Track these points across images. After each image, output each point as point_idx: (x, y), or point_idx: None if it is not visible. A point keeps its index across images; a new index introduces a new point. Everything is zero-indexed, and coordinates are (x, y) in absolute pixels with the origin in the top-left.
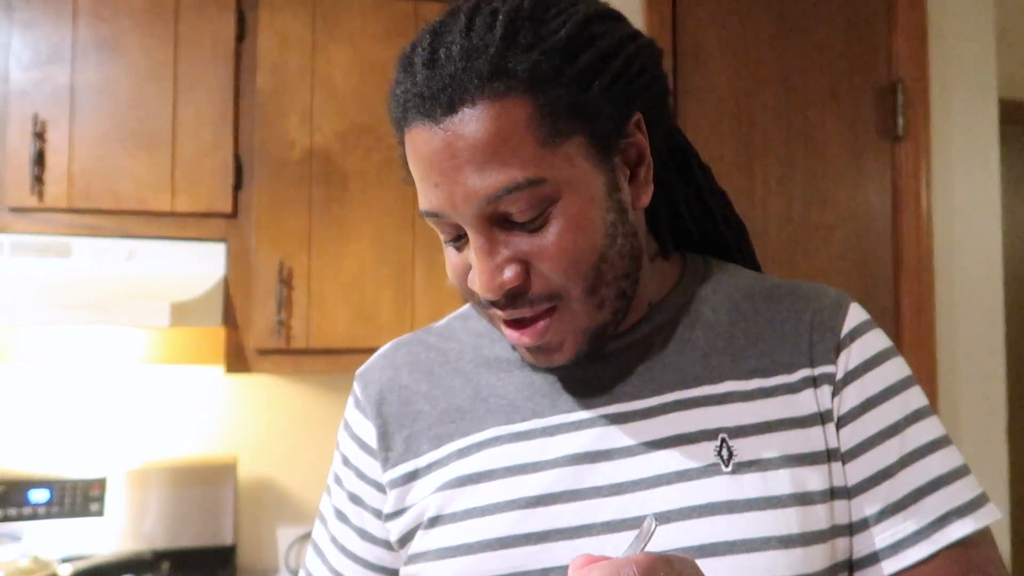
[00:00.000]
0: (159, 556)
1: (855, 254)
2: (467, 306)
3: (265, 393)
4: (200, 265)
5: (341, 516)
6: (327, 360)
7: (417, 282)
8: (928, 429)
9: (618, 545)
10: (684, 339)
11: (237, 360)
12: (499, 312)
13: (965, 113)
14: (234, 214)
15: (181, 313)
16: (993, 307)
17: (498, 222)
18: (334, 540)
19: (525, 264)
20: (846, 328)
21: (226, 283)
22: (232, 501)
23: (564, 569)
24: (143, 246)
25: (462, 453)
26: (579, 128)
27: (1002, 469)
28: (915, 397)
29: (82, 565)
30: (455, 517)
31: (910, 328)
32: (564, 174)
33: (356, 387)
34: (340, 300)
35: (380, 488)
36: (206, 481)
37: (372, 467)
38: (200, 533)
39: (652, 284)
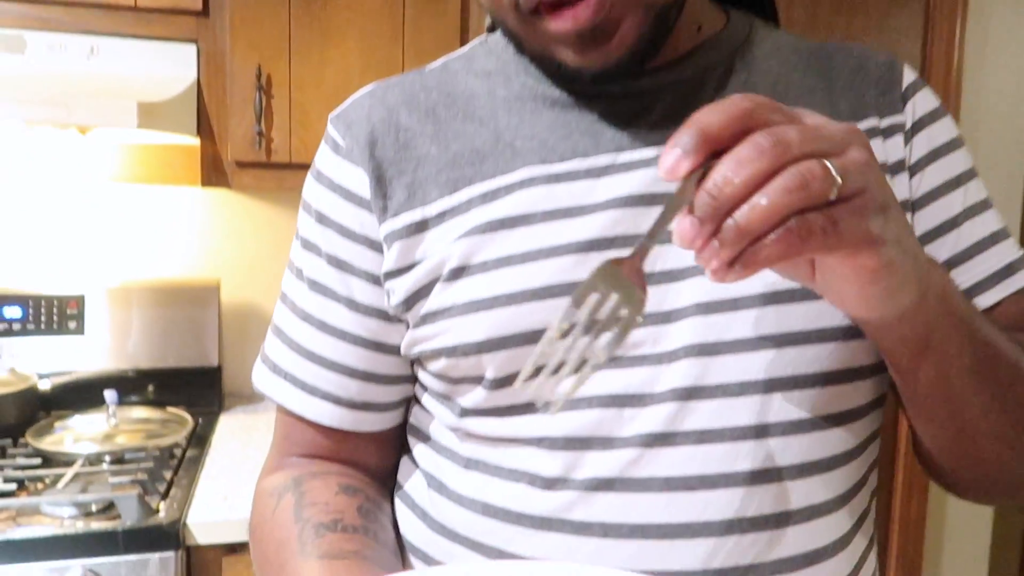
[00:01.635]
0: (143, 375)
1: None
2: (467, 47)
3: (246, 215)
4: (169, 67)
5: (319, 288)
6: None
7: None
8: (981, 187)
9: (680, 291)
10: (740, 83)
11: (215, 173)
12: None
13: None
14: (205, 12)
15: (150, 115)
16: (1017, 160)
17: None
18: (308, 318)
19: None
20: (906, 81)
21: (199, 88)
22: (216, 323)
23: None
24: (105, 43)
25: (487, 197)
26: None
27: None
28: (968, 155)
29: (62, 380)
30: (486, 266)
31: None
32: None
33: (333, 132)
34: (324, 112)
35: (374, 245)
36: (189, 302)
37: (363, 220)
38: (185, 354)
39: (703, 7)
